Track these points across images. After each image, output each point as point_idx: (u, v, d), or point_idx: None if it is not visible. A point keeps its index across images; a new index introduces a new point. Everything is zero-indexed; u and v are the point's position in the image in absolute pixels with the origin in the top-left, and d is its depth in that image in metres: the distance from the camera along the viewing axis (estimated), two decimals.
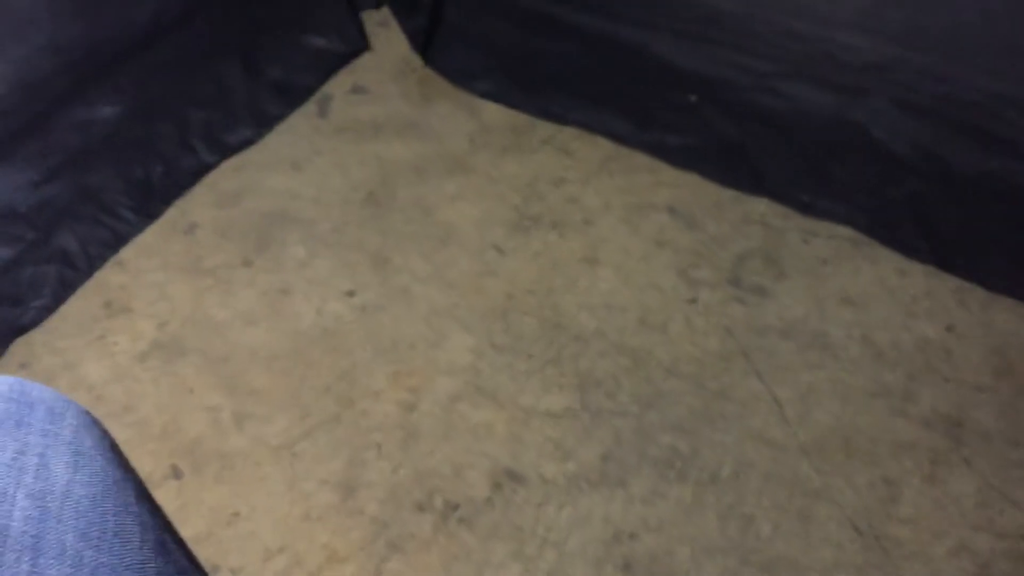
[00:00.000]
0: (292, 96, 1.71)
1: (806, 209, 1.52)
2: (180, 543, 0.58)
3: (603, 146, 1.62)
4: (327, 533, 1.14)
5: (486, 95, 1.72)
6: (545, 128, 1.66)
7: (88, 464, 0.53)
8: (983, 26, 1.46)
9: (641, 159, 1.60)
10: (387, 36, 1.85)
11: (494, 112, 1.69)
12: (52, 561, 0.47)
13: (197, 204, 1.52)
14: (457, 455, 1.22)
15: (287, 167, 1.59)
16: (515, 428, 1.25)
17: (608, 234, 1.48)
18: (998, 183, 1.50)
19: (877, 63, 1.57)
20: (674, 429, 1.24)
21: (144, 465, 1.18)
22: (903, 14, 1.51)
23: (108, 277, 1.41)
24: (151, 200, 1.51)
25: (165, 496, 1.16)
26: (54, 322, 1.35)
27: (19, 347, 1.32)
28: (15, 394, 0.53)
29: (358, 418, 1.25)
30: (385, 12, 1.89)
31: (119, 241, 1.45)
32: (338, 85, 1.75)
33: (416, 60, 1.79)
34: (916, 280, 1.41)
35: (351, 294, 1.40)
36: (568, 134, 1.65)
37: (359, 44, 1.81)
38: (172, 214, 1.51)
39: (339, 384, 1.29)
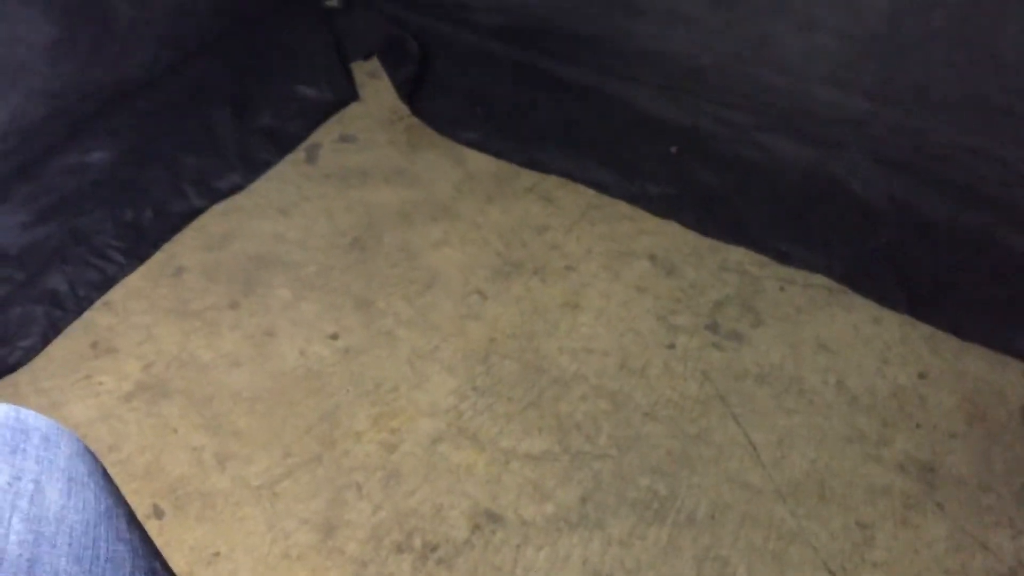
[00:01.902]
0: (281, 143, 1.74)
1: (783, 258, 1.55)
2: (169, 572, 0.59)
3: (586, 195, 1.66)
4: (306, 573, 1.14)
5: (472, 144, 1.76)
6: (529, 177, 1.70)
7: (82, 491, 0.54)
8: (953, 81, 1.51)
9: (623, 208, 1.64)
10: (376, 86, 1.89)
11: (479, 160, 1.73)
12: None
13: (185, 247, 1.55)
14: (437, 496, 1.23)
15: (275, 212, 1.62)
16: (495, 469, 1.26)
17: (589, 280, 1.51)
18: (971, 234, 1.54)
19: (852, 117, 1.61)
20: (652, 472, 1.26)
21: None
22: (876, 70, 1.56)
23: (96, 318, 1.43)
24: (140, 243, 1.53)
25: None
26: (41, 362, 1.37)
27: (5, 387, 1.33)
28: (11, 421, 0.55)
29: (340, 458, 1.26)
30: (374, 63, 1.94)
31: (108, 283, 1.47)
32: (327, 133, 1.78)
33: (404, 109, 1.83)
34: (890, 328, 1.44)
35: (335, 336, 1.42)
36: (552, 182, 1.68)
37: (348, 94, 1.85)
38: (161, 257, 1.53)
39: (321, 425, 1.30)
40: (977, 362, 1.39)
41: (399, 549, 1.17)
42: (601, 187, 1.67)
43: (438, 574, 1.15)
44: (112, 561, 0.52)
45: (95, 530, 0.53)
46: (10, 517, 0.50)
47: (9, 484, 0.52)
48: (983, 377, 1.37)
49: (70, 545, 0.51)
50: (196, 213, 1.60)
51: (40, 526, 0.51)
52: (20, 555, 0.49)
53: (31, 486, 0.52)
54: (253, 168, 1.69)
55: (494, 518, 1.20)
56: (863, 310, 1.47)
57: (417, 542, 1.18)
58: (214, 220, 1.60)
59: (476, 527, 1.20)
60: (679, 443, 1.29)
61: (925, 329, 1.43)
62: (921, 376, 1.37)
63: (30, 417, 0.56)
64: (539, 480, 1.25)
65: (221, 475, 1.24)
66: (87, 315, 1.43)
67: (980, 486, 1.24)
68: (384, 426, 1.31)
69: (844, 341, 1.42)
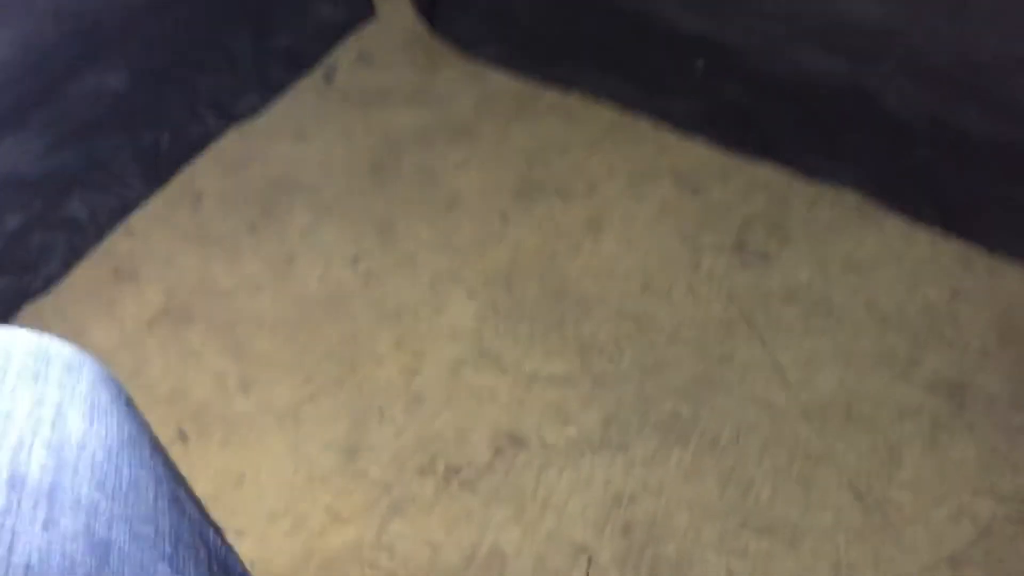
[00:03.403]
0: (298, 64, 1.71)
1: (812, 174, 1.51)
2: (193, 498, 0.59)
3: (608, 113, 1.62)
4: (330, 496, 1.15)
5: (492, 62, 1.71)
6: (551, 95, 1.65)
7: (104, 418, 0.53)
8: None
9: (646, 126, 1.59)
10: (394, 3, 1.84)
11: (500, 80, 1.69)
12: (68, 510, 0.48)
13: (204, 172, 1.53)
14: (459, 419, 1.23)
15: (293, 135, 1.59)
16: (517, 393, 1.25)
17: (612, 201, 1.48)
18: (1006, 147, 1.48)
19: (887, 27, 1.55)
20: (676, 394, 1.25)
21: None
22: None
23: (116, 244, 1.43)
24: (159, 168, 1.52)
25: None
26: (63, 289, 1.37)
27: (28, 313, 1.34)
28: (32, 348, 0.54)
29: (361, 383, 1.26)
30: None
31: (127, 208, 1.47)
32: (344, 53, 1.75)
33: (422, 28, 1.78)
34: (922, 245, 1.40)
35: (355, 261, 1.41)
36: (574, 100, 1.64)
37: (365, 12, 1.81)
38: (179, 182, 1.52)
39: (343, 349, 1.30)
40: (1010, 279, 1.35)
41: (422, 472, 1.18)
42: (625, 104, 1.63)
43: (461, 496, 1.15)
44: (135, 487, 0.52)
45: (117, 456, 0.52)
46: (32, 443, 0.50)
47: (31, 411, 0.51)
48: (1017, 295, 1.33)
49: (92, 471, 0.50)
50: (214, 136, 1.58)
51: (62, 452, 0.50)
52: (41, 480, 0.48)
53: (53, 412, 0.52)
54: (270, 89, 1.66)
55: (516, 441, 1.20)
56: (894, 228, 1.43)
57: (440, 465, 1.18)
58: (232, 144, 1.58)
59: (498, 450, 1.19)
60: (703, 365, 1.27)
61: (958, 246, 1.39)
62: (953, 294, 1.34)
63: (53, 344, 0.55)
64: (561, 403, 1.24)
65: (244, 399, 1.25)
66: (107, 241, 1.43)
67: (1011, 405, 1.22)
68: (406, 350, 1.30)
69: (874, 259, 1.39)
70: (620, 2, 1.74)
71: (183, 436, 1.20)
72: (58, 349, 0.55)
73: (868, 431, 1.20)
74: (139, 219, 1.46)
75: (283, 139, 1.59)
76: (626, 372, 1.27)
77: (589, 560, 1.09)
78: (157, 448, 0.57)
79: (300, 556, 1.11)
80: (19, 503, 0.47)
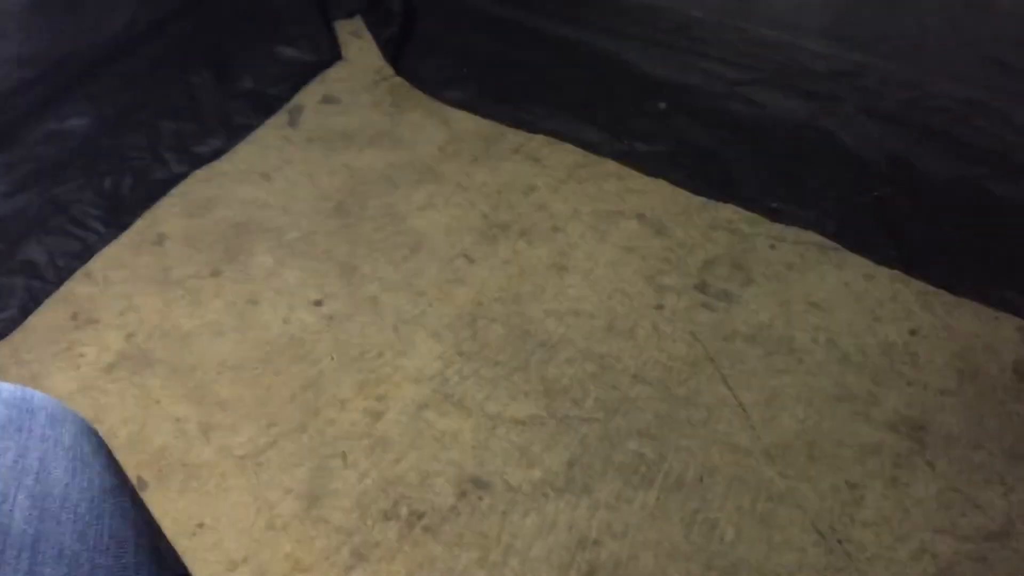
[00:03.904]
0: (263, 106, 1.71)
1: (774, 215, 1.53)
2: (172, 551, 0.60)
3: (573, 154, 1.63)
4: (291, 542, 1.14)
5: (457, 104, 1.73)
6: (515, 136, 1.67)
7: (86, 469, 0.54)
8: (947, 32, 1.47)
9: (611, 166, 1.61)
10: (359, 46, 1.85)
11: (465, 121, 1.70)
12: (50, 561, 0.49)
13: (166, 214, 1.52)
14: (423, 463, 1.22)
15: (257, 177, 1.59)
16: (481, 435, 1.25)
17: (576, 241, 1.49)
18: (964, 188, 1.51)
19: (845, 70, 1.58)
20: (640, 435, 1.25)
21: None
22: (869, 21, 1.52)
23: (76, 288, 1.41)
24: (120, 211, 1.51)
25: None
26: (21, 334, 1.35)
27: None
28: (17, 400, 0.55)
29: (324, 427, 1.25)
30: (358, 22, 1.90)
31: (87, 252, 1.45)
32: (309, 95, 1.75)
33: (388, 70, 1.79)
34: (882, 284, 1.42)
35: (319, 303, 1.40)
36: (538, 142, 1.65)
37: (331, 54, 1.82)
38: (141, 225, 1.51)
39: (306, 393, 1.29)
40: (969, 318, 1.37)
41: (385, 517, 1.16)
42: (589, 146, 1.64)
43: (425, 542, 1.14)
44: (116, 538, 0.53)
45: (99, 507, 0.53)
46: (15, 494, 0.51)
47: (15, 462, 0.52)
48: (975, 333, 1.35)
49: (75, 522, 0.51)
50: (177, 179, 1.58)
51: (45, 503, 0.51)
52: (25, 531, 0.49)
53: (36, 463, 0.53)
54: (235, 132, 1.66)
55: (481, 484, 1.19)
56: (854, 267, 1.44)
57: (403, 510, 1.17)
58: (195, 186, 1.57)
59: (462, 494, 1.19)
60: (667, 405, 1.28)
61: (917, 285, 1.41)
62: (912, 333, 1.35)
63: (36, 396, 0.56)
64: (526, 445, 1.23)
65: (205, 445, 1.23)
66: (67, 285, 1.41)
67: (971, 444, 1.23)
68: (369, 393, 1.29)
69: (835, 299, 1.40)
70: (584, 46, 1.76)
71: (141, 484, 1.18)
72: (41, 401, 0.56)
73: (830, 470, 1.20)
74: (99, 262, 1.45)
75: (247, 181, 1.58)
76: (590, 413, 1.27)
77: None
78: (137, 500, 0.58)
79: None
80: (2, 552, 0.48)
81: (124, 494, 0.56)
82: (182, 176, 1.58)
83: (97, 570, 0.50)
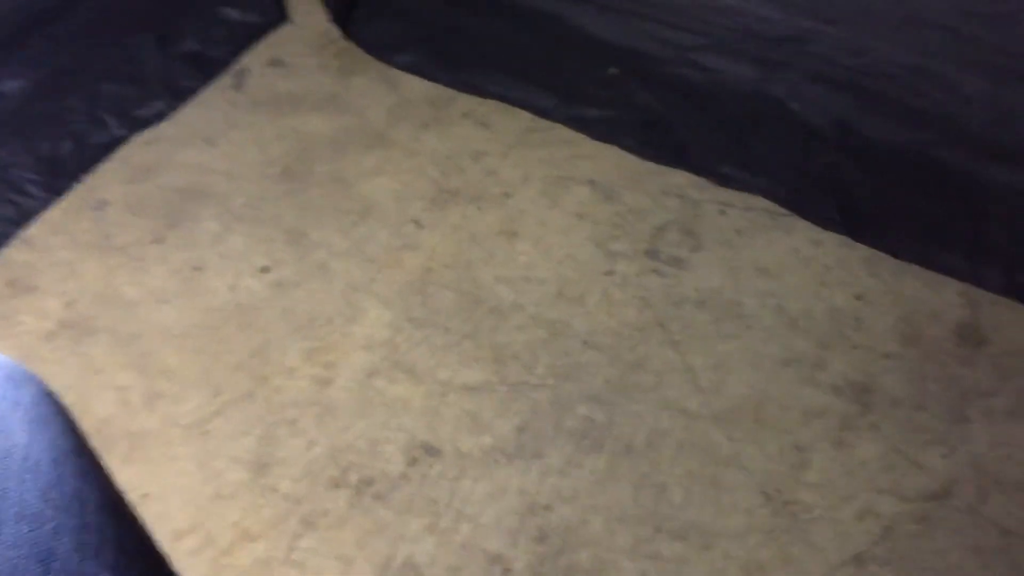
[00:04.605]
0: (207, 69, 1.67)
1: (724, 181, 1.53)
2: (132, 511, 0.60)
3: (523, 119, 1.62)
4: (238, 511, 1.12)
5: (406, 68, 1.70)
6: (465, 101, 1.65)
7: (47, 430, 0.54)
8: None
9: (561, 132, 1.60)
10: (306, 8, 1.81)
11: (414, 85, 1.68)
12: (12, 519, 0.49)
13: (107, 180, 1.49)
14: (373, 430, 1.21)
15: (201, 141, 1.55)
16: (432, 402, 1.24)
17: (527, 207, 1.48)
18: (910, 154, 1.53)
19: (793, 36, 1.58)
20: (590, 400, 1.25)
21: None
22: None
23: (13, 255, 1.37)
24: (59, 176, 1.47)
25: None
26: None
27: None
28: None
29: (272, 395, 1.24)
30: None
31: (25, 218, 1.41)
32: (255, 58, 1.71)
33: (336, 33, 1.76)
34: (829, 250, 1.43)
35: (266, 270, 1.38)
36: (488, 107, 1.64)
37: (277, 16, 1.78)
38: (81, 190, 1.47)
39: (253, 361, 1.27)
40: (914, 282, 1.39)
41: (334, 485, 1.16)
42: (539, 111, 1.63)
43: (374, 509, 1.14)
44: (79, 498, 0.53)
45: (61, 467, 0.53)
46: None
47: None
48: (919, 297, 1.37)
49: (37, 481, 0.51)
50: (118, 143, 1.54)
51: (8, 462, 0.51)
52: None
53: None
54: (178, 95, 1.62)
55: (431, 451, 1.19)
56: (803, 233, 1.46)
57: (353, 477, 1.16)
58: (137, 151, 1.54)
59: (413, 460, 1.18)
60: (617, 371, 1.28)
61: (863, 251, 1.43)
62: (858, 298, 1.37)
63: None
64: (476, 411, 1.23)
65: (149, 415, 1.21)
66: (4, 252, 1.37)
67: (914, 406, 1.25)
68: (318, 361, 1.28)
69: (783, 264, 1.41)
70: (536, 10, 1.75)
71: None
72: (1, 362, 0.56)
73: (777, 433, 1.22)
74: (38, 229, 1.41)
75: (191, 146, 1.55)
76: (541, 379, 1.27)
77: None
78: (98, 462, 0.58)
79: (208, 575, 1.08)
80: None
81: (85, 455, 0.56)
82: (123, 140, 1.54)
83: (60, 529, 0.50)
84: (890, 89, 1.55)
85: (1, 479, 0.50)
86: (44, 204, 1.43)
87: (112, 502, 0.56)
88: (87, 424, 1.20)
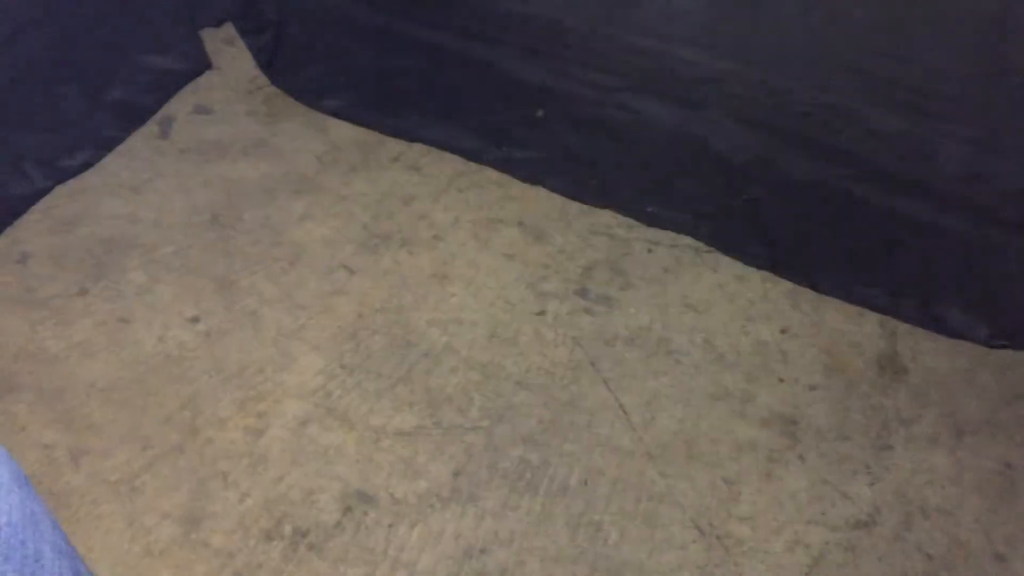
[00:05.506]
0: (132, 117, 1.66)
1: (650, 220, 1.56)
2: (91, 573, 0.62)
3: (452, 162, 1.63)
4: (170, 569, 1.10)
5: (334, 113, 1.71)
6: (394, 145, 1.66)
7: (7, 495, 0.55)
8: (808, 41, 1.53)
9: (490, 174, 1.62)
10: (232, 54, 1.81)
11: (343, 130, 1.68)
12: None
13: (30, 232, 1.46)
14: (307, 479, 1.20)
15: (126, 191, 1.54)
16: (366, 449, 1.24)
17: (457, 250, 1.49)
18: (828, 190, 1.58)
19: (713, 77, 1.63)
20: (524, 441, 1.26)
21: None
22: (734, 30, 1.57)
23: None
24: None
25: None
26: None
27: None
28: None
29: (203, 447, 1.22)
30: (230, 29, 1.85)
31: None
32: (181, 105, 1.70)
33: (263, 78, 1.76)
34: (753, 285, 1.47)
35: (195, 319, 1.36)
36: (417, 151, 1.65)
37: (201, 62, 1.77)
38: (3, 243, 1.44)
39: (182, 413, 1.25)
40: (835, 315, 1.43)
41: (268, 537, 1.14)
42: (468, 154, 1.65)
43: (309, 560, 1.12)
44: (40, 561, 0.54)
45: (23, 532, 0.54)
46: None
47: None
48: (841, 329, 1.41)
49: None
50: (40, 195, 1.51)
51: None
52: None
53: None
54: (103, 144, 1.61)
55: (365, 499, 1.19)
56: (728, 269, 1.49)
57: (287, 528, 1.15)
58: (60, 201, 1.51)
59: (347, 509, 1.17)
60: (550, 411, 1.29)
61: (786, 285, 1.47)
62: (783, 331, 1.40)
63: None
64: (411, 457, 1.23)
65: (75, 472, 1.18)
66: None
67: (839, 436, 1.29)
68: (250, 411, 1.27)
69: (710, 300, 1.44)
70: (460, 53, 1.77)
71: None
72: None
73: (707, 467, 1.24)
74: None
75: (116, 195, 1.53)
76: (475, 422, 1.27)
77: None
78: (56, 525, 0.59)
79: None
80: None
81: (44, 520, 0.57)
82: (46, 191, 1.52)
83: None
84: (807, 127, 1.60)
85: None
86: None
87: (72, 566, 0.57)
88: None
